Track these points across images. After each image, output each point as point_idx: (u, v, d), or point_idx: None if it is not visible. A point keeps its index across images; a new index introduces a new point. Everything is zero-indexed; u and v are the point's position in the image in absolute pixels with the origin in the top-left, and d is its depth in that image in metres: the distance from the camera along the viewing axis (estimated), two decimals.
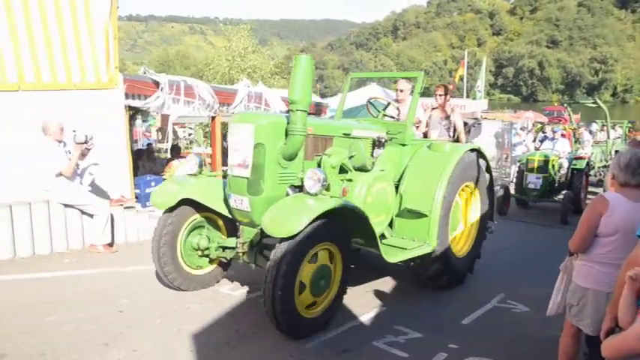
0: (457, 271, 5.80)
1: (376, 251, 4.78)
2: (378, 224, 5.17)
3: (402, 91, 6.58)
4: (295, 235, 3.94)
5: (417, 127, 6.77)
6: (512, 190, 11.28)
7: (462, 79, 32.36)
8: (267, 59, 26.08)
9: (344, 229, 4.41)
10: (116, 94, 7.25)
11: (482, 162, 6.07)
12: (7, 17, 6.48)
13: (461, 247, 6.04)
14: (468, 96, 33.55)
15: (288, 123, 4.43)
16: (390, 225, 5.55)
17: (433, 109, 6.83)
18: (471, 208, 6.19)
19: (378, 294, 5.58)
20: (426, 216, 5.33)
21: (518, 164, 11.56)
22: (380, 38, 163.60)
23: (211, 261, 5.33)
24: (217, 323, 4.58)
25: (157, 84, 7.89)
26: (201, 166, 5.13)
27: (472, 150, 5.91)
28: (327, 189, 4.37)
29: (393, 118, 6.50)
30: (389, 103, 6.32)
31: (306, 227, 3.95)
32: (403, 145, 5.71)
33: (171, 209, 5.01)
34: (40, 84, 6.75)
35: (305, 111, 4.39)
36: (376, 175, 5.10)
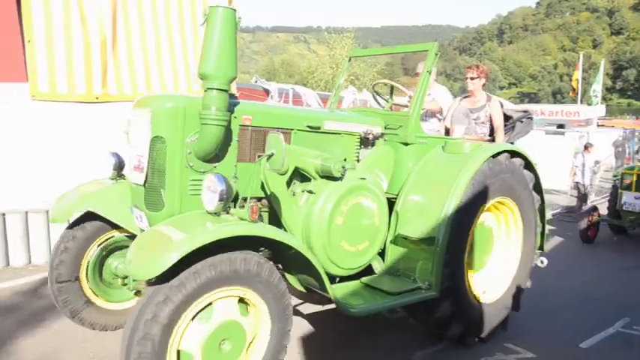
0: (478, 324, 4.08)
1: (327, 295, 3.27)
2: (356, 256, 3.66)
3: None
4: (165, 277, 2.57)
5: (439, 119, 5.12)
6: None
7: (576, 84, 29.21)
8: (370, 66, 25.97)
9: (267, 269, 2.93)
10: None
11: (524, 171, 4.30)
12: (126, 33, 6.57)
13: (488, 290, 4.30)
14: (582, 101, 30.43)
15: None
16: (384, 254, 3.99)
17: (464, 97, 5.13)
18: (508, 235, 4.43)
19: None
20: (428, 245, 3.72)
21: (613, 180, 9.29)
22: (484, 42, 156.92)
23: (137, 292, 4.07)
24: None
25: (267, 92, 8.37)
26: (119, 168, 3.89)
27: (509, 152, 4.17)
28: (242, 205, 2.95)
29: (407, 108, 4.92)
30: (392, 88, 4.73)
31: (184, 265, 2.56)
32: (405, 143, 4.12)
33: (76, 222, 3.84)
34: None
35: (223, 90, 3.02)
36: (353, 185, 3.58)
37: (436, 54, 4.16)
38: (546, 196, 4.70)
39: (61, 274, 3.73)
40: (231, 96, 3.53)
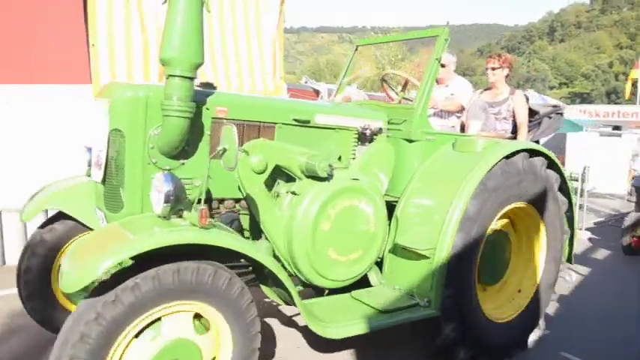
0: (491, 346, 3.58)
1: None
2: (346, 266, 3.26)
3: (443, 66, 4.53)
4: (101, 290, 2.24)
5: (457, 115, 4.62)
6: None
7: (634, 84, 27.60)
8: (417, 67, 25.43)
9: (225, 281, 2.54)
10: None
11: (547, 171, 3.76)
12: None
13: (504, 307, 3.79)
14: None
15: None
16: (381, 265, 3.56)
17: (485, 90, 4.62)
18: (528, 245, 3.91)
19: None
20: (429, 257, 3.26)
21: None
22: (534, 41, 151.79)
23: None
24: None
25: (317, 92, 8.17)
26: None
27: (528, 151, 3.65)
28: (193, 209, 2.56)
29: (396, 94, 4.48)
30: (406, 82, 4.28)
31: (115, 274, 2.22)
32: (409, 140, 3.67)
33: (48, 222, 3.57)
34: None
35: (187, 77, 2.68)
36: (343, 186, 3.17)
37: (446, 40, 3.68)
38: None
39: (29, 280, 3.46)
40: (208, 86, 3.21)
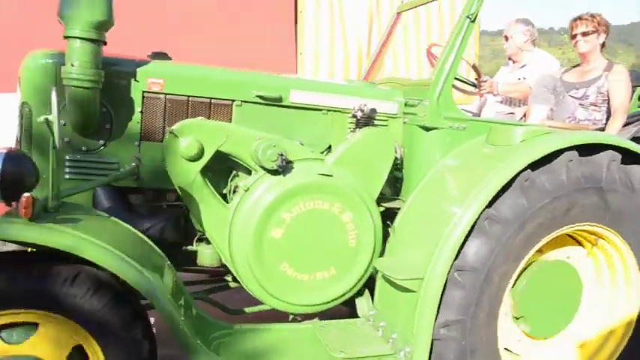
0: None
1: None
2: (310, 288, 2.51)
3: (508, 38, 3.44)
4: None
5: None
6: None
7: None
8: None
9: (92, 288, 1.96)
10: None
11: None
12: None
13: None
14: None
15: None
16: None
17: (572, 68, 3.37)
18: (607, 283, 2.67)
19: None
20: (412, 291, 2.32)
21: None
22: None
23: None
24: None
25: None
26: None
27: (599, 147, 2.45)
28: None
29: (474, 86, 3.45)
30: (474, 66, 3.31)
31: None
32: (426, 128, 2.72)
33: None
34: None
35: (90, 39, 2.19)
36: (301, 183, 2.44)
37: None
38: None
39: None
40: (161, 56, 2.70)
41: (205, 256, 2.61)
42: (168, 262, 2.33)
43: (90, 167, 2.47)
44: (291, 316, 2.66)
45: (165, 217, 2.58)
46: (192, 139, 2.37)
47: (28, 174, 1.97)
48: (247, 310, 2.73)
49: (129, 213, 2.49)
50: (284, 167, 2.43)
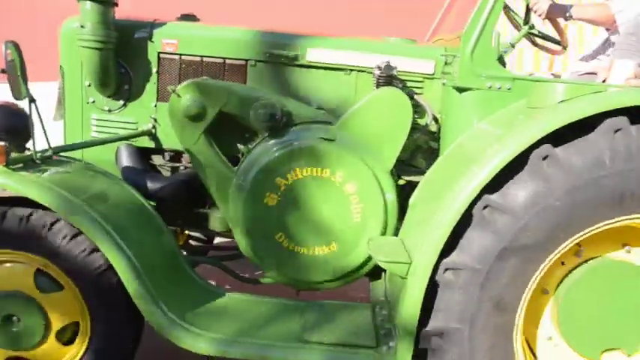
0: None
1: None
2: (309, 262, 2.32)
3: None
4: None
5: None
6: None
7: None
8: None
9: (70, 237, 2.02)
10: None
11: None
12: None
13: None
14: None
15: None
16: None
17: None
18: None
19: None
20: (402, 278, 1.97)
21: None
22: None
23: None
24: None
25: None
26: None
27: None
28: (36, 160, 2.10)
29: (558, 44, 2.81)
30: (528, 8, 2.67)
31: None
32: (459, 89, 2.27)
33: None
34: None
35: (102, 1, 2.33)
36: (296, 147, 2.24)
37: None
38: None
39: None
40: (190, 18, 2.71)
41: (214, 220, 2.56)
42: (164, 226, 2.33)
43: (112, 127, 2.58)
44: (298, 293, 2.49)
45: (178, 178, 2.59)
46: (194, 99, 2.32)
47: (6, 125, 2.11)
48: (263, 280, 2.62)
49: (143, 172, 2.55)
50: (283, 130, 2.26)
